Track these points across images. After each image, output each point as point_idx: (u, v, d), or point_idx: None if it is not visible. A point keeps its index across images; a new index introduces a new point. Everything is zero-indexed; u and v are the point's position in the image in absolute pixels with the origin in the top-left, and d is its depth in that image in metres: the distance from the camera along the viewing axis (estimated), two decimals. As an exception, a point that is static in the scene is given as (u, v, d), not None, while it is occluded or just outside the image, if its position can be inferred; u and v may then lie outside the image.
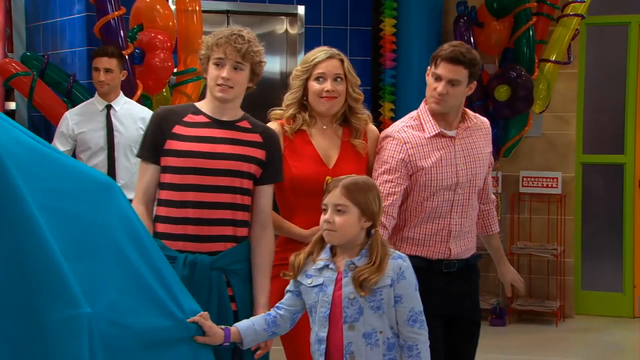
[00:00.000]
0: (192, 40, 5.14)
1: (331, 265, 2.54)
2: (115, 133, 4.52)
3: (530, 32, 5.77)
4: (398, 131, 3.00)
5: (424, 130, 2.99)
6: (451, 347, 2.68)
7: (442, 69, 2.92)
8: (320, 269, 2.55)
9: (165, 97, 5.25)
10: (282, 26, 6.28)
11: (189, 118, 2.78)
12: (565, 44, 5.87)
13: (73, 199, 2.24)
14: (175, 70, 5.16)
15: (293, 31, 6.22)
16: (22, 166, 2.10)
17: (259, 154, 2.78)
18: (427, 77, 3.03)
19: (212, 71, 2.73)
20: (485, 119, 3.16)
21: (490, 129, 3.17)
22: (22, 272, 2.08)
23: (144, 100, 5.01)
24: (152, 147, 2.75)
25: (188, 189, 2.70)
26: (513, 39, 5.82)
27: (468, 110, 3.10)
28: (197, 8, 5.15)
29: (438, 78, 2.94)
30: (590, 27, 6.27)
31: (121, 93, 4.63)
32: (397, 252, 2.56)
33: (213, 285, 2.69)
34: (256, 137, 2.80)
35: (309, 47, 6.00)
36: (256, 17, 6.19)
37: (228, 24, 6.11)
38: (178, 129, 2.75)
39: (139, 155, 2.82)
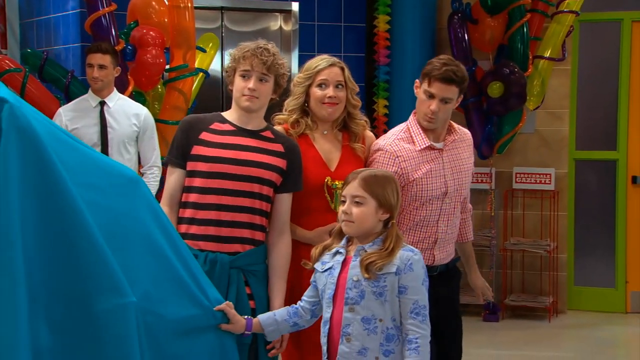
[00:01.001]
0: (185, 37, 5.15)
1: (341, 250, 2.60)
2: (108, 129, 4.53)
3: (525, 29, 5.79)
4: (390, 144, 3.08)
5: (414, 143, 3.08)
6: (439, 343, 2.74)
7: (436, 89, 3.01)
8: (333, 255, 2.61)
9: (160, 93, 5.26)
10: (276, 23, 6.29)
11: (216, 126, 2.91)
12: (559, 41, 5.89)
13: (106, 193, 2.31)
14: (167, 66, 5.17)
15: (287, 28, 6.23)
16: (61, 160, 2.15)
17: (281, 163, 2.90)
18: (417, 91, 3.10)
19: (238, 82, 2.86)
20: (467, 131, 3.27)
21: (472, 139, 3.28)
22: (72, 263, 2.15)
23: (138, 97, 5.02)
24: (179, 152, 2.88)
25: (210, 192, 2.82)
26: (507, 35, 5.84)
27: (452, 123, 3.19)
28: (189, 5, 5.16)
29: (431, 96, 3.02)
30: (583, 23, 6.29)
31: (115, 89, 4.63)
32: (411, 246, 2.60)
33: (232, 283, 2.80)
34: (278, 147, 2.92)
35: (303, 44, 6.16)
36: (250, 14, 6.21)
37: (222, 20, 6.13)
38: (205, 136, 2.88)
39: (166, 160, 2.94)
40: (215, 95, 6.00)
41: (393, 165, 3.04)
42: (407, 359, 2.46)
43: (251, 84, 2.84)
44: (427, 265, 2.96)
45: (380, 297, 2.50)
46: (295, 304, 2.74)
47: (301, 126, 3.09)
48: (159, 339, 2.35)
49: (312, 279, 2.67)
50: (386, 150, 3.07)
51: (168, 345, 2.38)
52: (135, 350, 2.20)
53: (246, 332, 2.65)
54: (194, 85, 5.37)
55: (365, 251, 2.55)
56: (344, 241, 2.63)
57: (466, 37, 5.83)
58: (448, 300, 3.14)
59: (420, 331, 2.49)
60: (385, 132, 3.37)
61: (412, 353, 2.46)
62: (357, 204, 2.56)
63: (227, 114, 2.95)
